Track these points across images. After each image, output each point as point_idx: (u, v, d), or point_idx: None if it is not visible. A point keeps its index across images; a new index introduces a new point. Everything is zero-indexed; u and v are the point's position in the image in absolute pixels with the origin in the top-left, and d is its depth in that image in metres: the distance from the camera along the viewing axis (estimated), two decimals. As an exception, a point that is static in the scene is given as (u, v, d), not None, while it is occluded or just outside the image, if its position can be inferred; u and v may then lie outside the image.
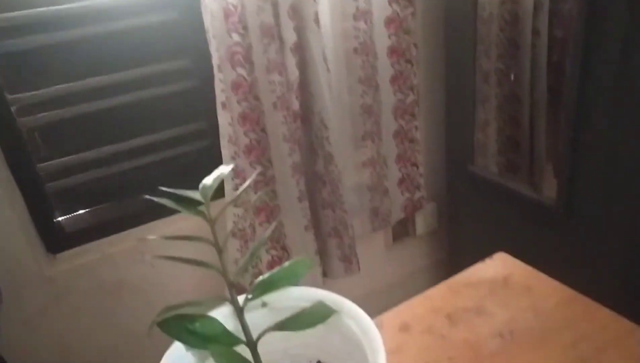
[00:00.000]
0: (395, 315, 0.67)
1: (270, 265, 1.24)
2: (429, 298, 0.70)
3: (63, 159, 1.16)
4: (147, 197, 0.49)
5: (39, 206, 1.14)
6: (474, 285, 0.70)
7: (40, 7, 1.02)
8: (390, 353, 0.62)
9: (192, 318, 0.42)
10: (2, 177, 1.06)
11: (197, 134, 1.26)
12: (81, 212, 1.23)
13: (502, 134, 1.47)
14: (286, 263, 0.46)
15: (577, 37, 1.05)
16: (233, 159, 1.14)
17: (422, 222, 1.59)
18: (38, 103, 1.10)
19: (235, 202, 1.14)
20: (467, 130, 1.41)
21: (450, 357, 0.59)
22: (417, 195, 1.46)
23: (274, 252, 1.25)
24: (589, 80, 1.04)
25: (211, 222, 0.43)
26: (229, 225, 1.17)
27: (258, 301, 0.45)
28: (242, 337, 0.42)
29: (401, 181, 1.43)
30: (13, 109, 1.07)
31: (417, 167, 1.43)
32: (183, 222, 1.22)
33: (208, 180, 0.47)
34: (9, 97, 1.05)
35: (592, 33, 1.03)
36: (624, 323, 0.60)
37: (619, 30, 0.96)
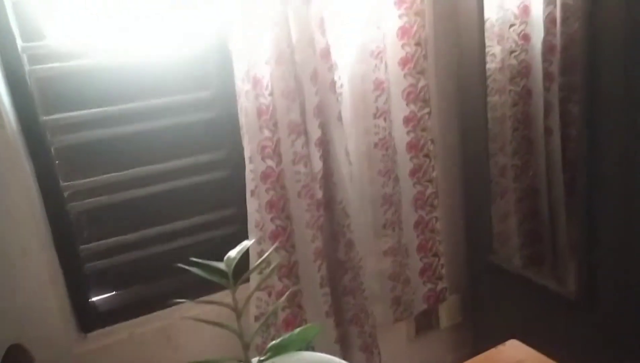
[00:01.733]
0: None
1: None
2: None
3: (103, 241, 1.25)
4: (179, 265, 0.56)
5: (77, 285, 1.22)
6: (488, 370, 0.71)
7: (97, 107, 1.18)
8: None
9: (210, 377, 0.47)
10: (49, 257, 1.15)
11: (227, 219, 1.35)
12: (113, 292, 1.30)
13: (522, 226, 1.49)
14: (297, 329, 0.50)
15: (582, 137, 1.13)
16: (259, 243, 1.21)
17: (445, 315, 1.57)
18: (88, 189, 1.22)
19: (259, 286, 1.19)
20: (485, 222, 1.45)
21: None
22: (440, 286, 1.46)
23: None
24: (597, 178, 1.10)
25: (232, 289, 0.49)
26: (253, 310, 1.21)
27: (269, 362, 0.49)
28: (254, 397, 0.46)
29: (423, 271, 1.45)
30: (66, 194, 1.19)
31: (439, 258, 1.45)
32: (208, 306, 1.26)
33: (232, 252, 0.53)
34: (63, 184, 1.18)
35: (595, 134, 1.10)
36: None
37: (619, 133, 1.04)
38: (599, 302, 1.15)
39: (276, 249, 1.22)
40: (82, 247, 1.22)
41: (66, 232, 1.19)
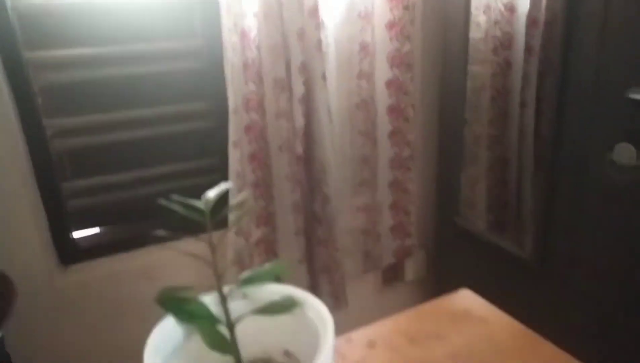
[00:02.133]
0: (363, 333, 0.76)
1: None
2: (396, 321, 0.78)
3: (85, 181, 1.29)
4: (160, 201, 0.61)
5: (58, 221, 1.27)
6: (438, 314, 0.79)
7: (82, 47, 1.19)
8: (355, 363, 0.70)
9: (185, 299, 0.53)
10: (30, 192, 1.19)
11: (209, 168, 1.39)
12: (95, 230, 1.35)
13: (490, 193, 1.58)
14: (267, 265, 0.56)
15: (550, 114, 1.19)
16: (238, 192, 1.26)
17: (411, 269, 1.67)
18: (70, 129, 1.25)
19: (236, 231, 1.25)
20: (455, 186, 1.53)
21: (406, 370, 0.68)
22: (408, 242, 1.55)
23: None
24: (561, 154, 1.18)
25: (208, 227, 0.54)
26: (229, 254, 1.28)
27: (240, 293, 0.55)
28: (224, 320, 0.52)
29: (393, 228, 1.53)
30: (48, 132, 1.22)
31: (409, 216, 1.53)
32: (187, 246, 1.32)
33: (210, 193, 0.58)
34: (46, 121, 1.21)
35: (564, 112, 1.17)
36: (565, 357, 0.68)
37: (586, 113, 1.10)
38: (550, 264, 1.25)
39: (255, 198, 1.28)
40: (64, 184, 1.26)
41: (48, 168, 1.23)
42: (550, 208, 1.26)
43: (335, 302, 1.40)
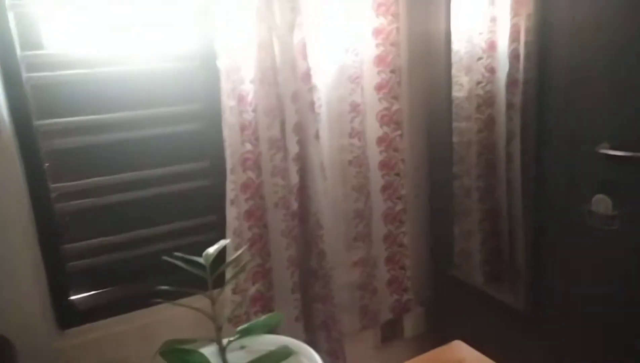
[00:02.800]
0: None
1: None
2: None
3: (85, 242, 1.31)
4: (164, 258, 0.64)
5: (58, 283, 1.27)
6: (433, 366, 0.80)
7: (88, 115, 1.26)
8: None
9: (187, 352, 0.55)
10: (33, 255, 1.20)
11: (207, 226, 1.42)
12: (93, 292, 1.35)
13: (484, 245, 1.60)
14: (262, 317, 0.59)
15: (532, 169, 1.25)
16: (236, 250, 1.28)
17: (410, 325, 1.66)
18: (74, 192, 1.29)
19: (233, 290, 1.26)
20: (448, 239, 1.56)
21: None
22: (405, 297, 1.56)
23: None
24: (545, 203, 1.23)
25: (209, 279, 0.57)
26: (227, 312, 1.28)
27: (238, 344, 0.57)
28: (223, 372, 0.54)
29: (390, 282, 1.54)
30: (53, 195, 1.25)
31: (405, 270, 1.55)
32: (185, 309, 1.32)
33: (211, 249, 0.62)
34: (51, 185, 1.25)
35: (542, 165, 1.23)
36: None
37: (562, 164, 1.16)
38: (543, 314, 1.26)
39: (252, 255, 1.30)
40: (65, 246, 1.28)
41: (51, 231, 1.25)
42: (539, 258, 1.29)
43: (334, 360, 1.39)
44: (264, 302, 1.32)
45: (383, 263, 1.52)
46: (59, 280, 1.27)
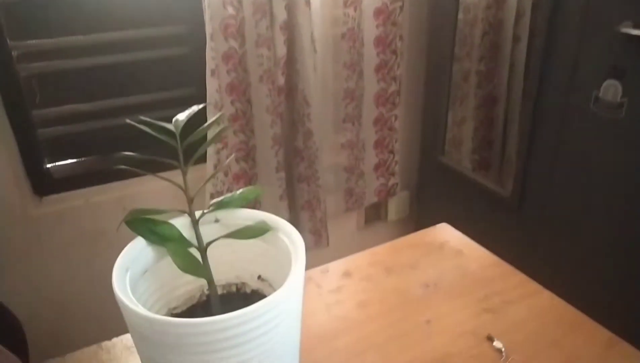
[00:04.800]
0: (340, 264, 0.75)
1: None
2: (373, 253, 0.78)
3: (57, 108, 1.22)
4: (128, 121, 0.57)
5: (30, 150, 1.21)
6: (414, 247, 0.79)
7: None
8: (331, 292, 0.70)
9: (155, 221, 0.50)
10: (-1, 119, 1.12)
11: (186, 99, 1.33)
12: (70, 161, 1.30)
13: (477, 133, 1.55)
14: (239, 190, 0.53)
15: (540, 49, 1.15)
16: (218, 124, 1.21)
17: (394, 208, 1.67)
18: (38, 52, 1.16)
19: (215, 165, 1.22)
20: (441, 125, 1.50)
21: (380, 299, 0.67)
22: (392, 181, 1.54)
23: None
24: (547, 90, 1.15)
25: (179, 150, 0.51)
26: (209, 188, 1.25)
27: (212, 216, 0.53)
28: (196, 244, 0.50)
29: (377, 166, 1.51)
30: (14, 54, 1.13)
31: (394, 155, 1.51)
32: (162, 182, 1.29)
33: (181, 116, 0.54)
34: (11, 43, 1.12)
35: (550, 48, 1.13)
36: (533, 285, 0.68)
37: (575, 44, 1.06)
38: (529, 203, 1.26)
39: (234, 132, 1.24)
40: (34, 112, 1.19)
41: (15, 94, 1.15)
42: (532, 146, 1.24)
43: (317, 239, 1.40)
44: (247, 180, 1.29)
45: (371, 146, 1.47)
46: (31, 147, 1.21)
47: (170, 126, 0.52)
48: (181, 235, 0.50)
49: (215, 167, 1.21)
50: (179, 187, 0.51)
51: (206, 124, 0.53)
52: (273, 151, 1.27)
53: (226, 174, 1.25)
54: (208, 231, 0.51)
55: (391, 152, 1.50)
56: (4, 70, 1.12)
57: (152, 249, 0.49)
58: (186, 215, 0.51)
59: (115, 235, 1.30)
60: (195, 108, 0.57)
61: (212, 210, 0.52)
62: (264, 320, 0.39)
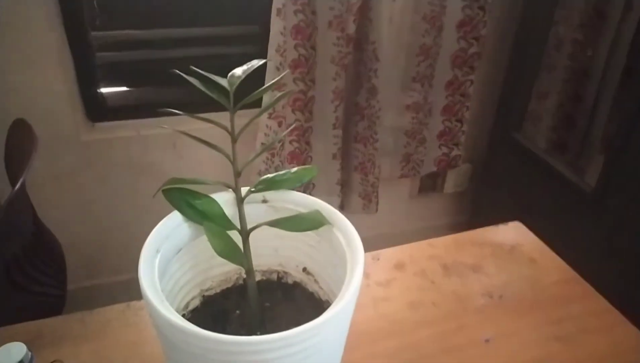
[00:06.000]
0: (393, 253, 0.68)
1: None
2: (431, 245, 0.69)
3: (116, 32, 1.17)
4: (175, 71, 0.50)
5: (86, 73, 1.17)
6: (480, 245, 0.70)
7: None
8: (380, 285, 0.63)
9: (195, 194, 0.44)
10: (57, 37, 1.08)
11: (248, 36, 1.24)
12: (124, 88, 1.26)
13: (560, 109, 1.38)
14: (294, 168, 0.46)
15: None
16: (277, 70, 1.12)
17: (452, 181, 1.56)
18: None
19: (269, 114, 1.14)
20: (522, 97, 1.34)
21: (435, 302, 0.60)
22: (455, 152, 1.42)
23: (297, 172, 1.26)
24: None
25: (231, 111, 0.43)
26: (260, 137, 1.18)
27: (259, 196, 0.46)
28: (238, 225, 0.44)
29: (441, 134, 1.39)
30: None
31: (462, 123, 1.38)
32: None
33: (238, 70, 0.46)
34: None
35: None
36: (616, 315, 0.58)
37: None
38: (614, 199, 1.11)
39: (294, 79, 1.14)
40: (93, 33, 1.15)
41: (76, 14, 1.10)
42: (628, 133, 1.07)
43: (365, 204, 1.33)
44: (301, 133, 1.21)
45: (439, 112, 1.35)
46: (87, 69, 1.17)
47: (224, 82, 0.45)
48: (222, 213, 0.43)
49: (270, 115, 1.14)
50: (227, 157, 0.44)
51: (264, 87, 0.45)
52: (332, 106, 1.17)
53: (280, 124, 1.18)
54: (253, 211, 0.44)
55: (459, 120, 1.37)
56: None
57: (188, 226, 0.43)
58: (230, 190, 0.45)
59: (161, 169, 1.28)
60: (255, 62, 0.49)
61: (261, 189, 0.45)
62: (305, 346, 0.33)
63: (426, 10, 1.19)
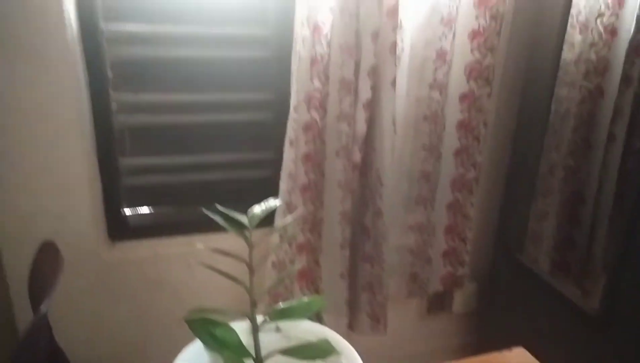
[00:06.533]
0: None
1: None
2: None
3: (143, 159, 1.29)
4: (203, 210, 0.56)
5: (113, 195, 1.27)
6: (488, 371, 0.70)
7: (159, 24, 1.18)
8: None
9: (216, 324, 0.48)
10: (90, 164, 1.19)
11: (263, 162, 1.35)
12: (145, 210, 1.35)
13: (559, 230, 1.43)
14: (304, 298, 0.50)
15: (634, 158, 1.05)
16: (289, 193, 1.21)
17: (460, 300, 1.56)
18: (135, 105, 1.24)
19: (280, 235, 1.20)
20: (522, 219, 1.40)
21: None
22: (460, 271, 1.44)
23: (306, 292, 1.29)
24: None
25: (250, 246, 0.49)
26: (272, 257, 1.23)
27: (273, 325, 0.49)
28: (253, 352, 0.47)
29: (446, 253, 1.43)
30: (114, 106, 1.22)
31: (465, 243, 1.42)
32: (232, 240, 1.29)
33: (257, 209, 0.53)
34: (113, 95, 1.20)
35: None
36: None
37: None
38: (619, 323, 1.11)
39: (304, 202, 1.22)
40: (122, 159, 1.26)
41: (109, 142, 1.23)
42: (627, 255, 1.11)
43: (374, 325, 1.33)
44: (310, 253, 1.26)
45: (442, 232, 1.40)
46: (113, 193, 1.27)
47: (244, 219, 0.51)
48: (240, 342, 0.47)
49: (281, 237, 1.19)
50: (245, 288, 0.48)
51: (278, 225, 0.51)
52: (340, 227, 1.24)
53: (290, 245, 1.23)
54: (267, 339, 0.48)
55: (463, 240, 1.42)
56: (103, 119, 1.20)
57: (209, 354, 0.46)
58: (247, 318, 0.48)
59: (177, 287, 1.31)
60: (272, 202, 0.56)
61: (274, 319, 0.48)
62: None
63: (425, 140, 1.30)
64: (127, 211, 1.31)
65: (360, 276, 1.31)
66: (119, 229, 1.29)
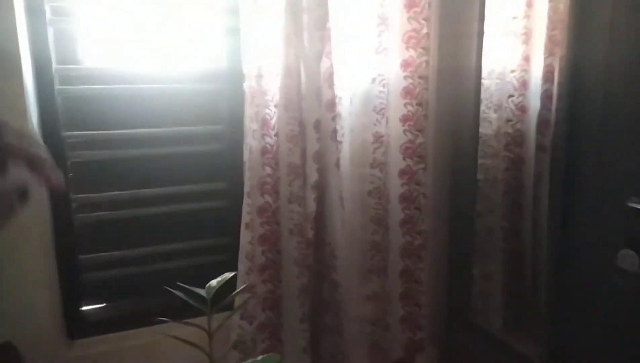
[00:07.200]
0: None
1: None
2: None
3: (103, 254, 1.32)
4: (167, 288, 0.63)
5: (72, 293, 1.28)
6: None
7: (114, 129, 1.28)
8: None
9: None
10: (49, 263, 1.21)
11: (221, 247, 1.42)
12: (104, 304, 1.36)
13: (505, 288, 1.53)
14: (259, 357, 0.56)
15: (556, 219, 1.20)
16: (247, 274, 1.27)
17: (422, 365, 1.60)
18: (94, 204, 1.30)
19: (241, 314, 1.24)
20: (467, 280, 1.50)
21: None
22: (418, 335, 1.50)
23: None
24: (570, 248, 1.17)
25: (210, 335, 0.56)
26: (233, 337, 1.26)
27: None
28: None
29: (403, 319, 1.49)
30: (74, 206, 1.27)
31: (420, 308, 1.49)
32: (189, 329, 1.31)
33: (214, 282, 0.60)
34: (73, 196, 1.27)
35: (571, 212, 1.18)
36: None
37: (590, 212, 1.10)
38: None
39: (263, 281, 1.28)
40: (81, 257, 1.29)
41: (69, 241, 1.27)
42: (562, 311, 1.22)
43: (339, 396, 1.34)
44: (272, 330, 1.30)
45: (398, 298, 1.47)
46: (72, 291, 1.28)
47: (202, 292, 0.58)
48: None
49: (242, 316, 1.23)
50: (205, 352, 0.54)
51: (234, 293, 0.58)
52: (299, 301, 1.29)
53: (251, 323, 1.27)
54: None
55: (417, 305, 1.49)
56: (63, 219, 1.25)
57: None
58: (207, 382, 0.54)
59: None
60: (227, 275, 0.63)
61: (232, 379, 0.54)
62: None
63: (372, 213, 1.42)
64: (86, 307, 1.32)
65: (323, 348, 1.34)
66: (78, 326, 1.29)
